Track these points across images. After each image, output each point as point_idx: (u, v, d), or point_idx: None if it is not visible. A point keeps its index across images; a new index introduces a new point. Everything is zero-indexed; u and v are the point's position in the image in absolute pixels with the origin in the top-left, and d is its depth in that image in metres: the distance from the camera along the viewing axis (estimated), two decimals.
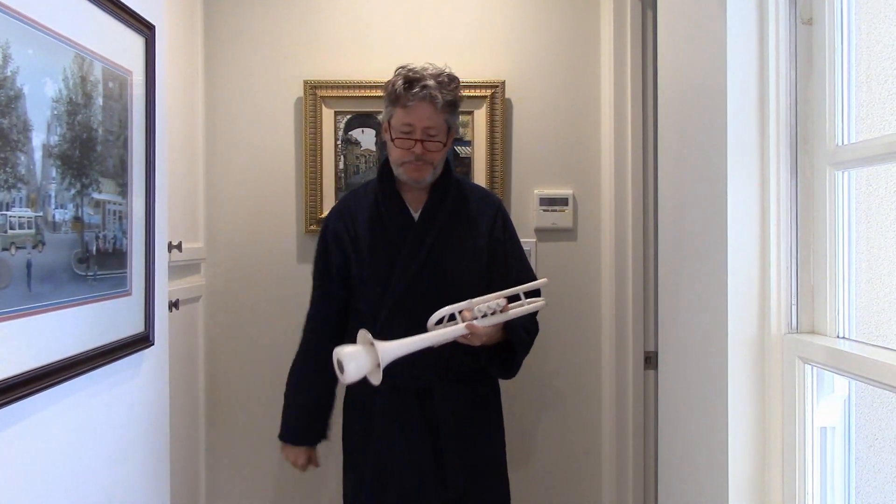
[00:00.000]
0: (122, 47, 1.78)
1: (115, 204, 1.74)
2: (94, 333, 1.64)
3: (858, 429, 1.60)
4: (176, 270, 2.65)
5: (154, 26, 1.94)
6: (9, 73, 1.31)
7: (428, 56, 3.03)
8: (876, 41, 1.60)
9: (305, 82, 3.04)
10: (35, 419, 1.43)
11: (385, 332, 2.08)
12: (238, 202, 3.09)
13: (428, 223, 2.33)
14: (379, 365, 1.91)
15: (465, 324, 2.09)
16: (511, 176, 3.10)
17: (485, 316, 2.12)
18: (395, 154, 2.32)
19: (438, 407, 2.32)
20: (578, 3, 3.09)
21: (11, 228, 1.32)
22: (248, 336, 3.09)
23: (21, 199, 1.36)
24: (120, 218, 1.77)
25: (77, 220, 1.56)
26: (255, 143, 3.09)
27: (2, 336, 1.29)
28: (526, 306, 2.22)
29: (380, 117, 3.10)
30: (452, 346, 2.22)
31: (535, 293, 2.31)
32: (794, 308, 1.62)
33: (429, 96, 2.23)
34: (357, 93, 3.04)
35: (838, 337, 1.54)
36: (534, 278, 2.34)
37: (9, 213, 1.31)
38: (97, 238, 1.65)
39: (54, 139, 1.47)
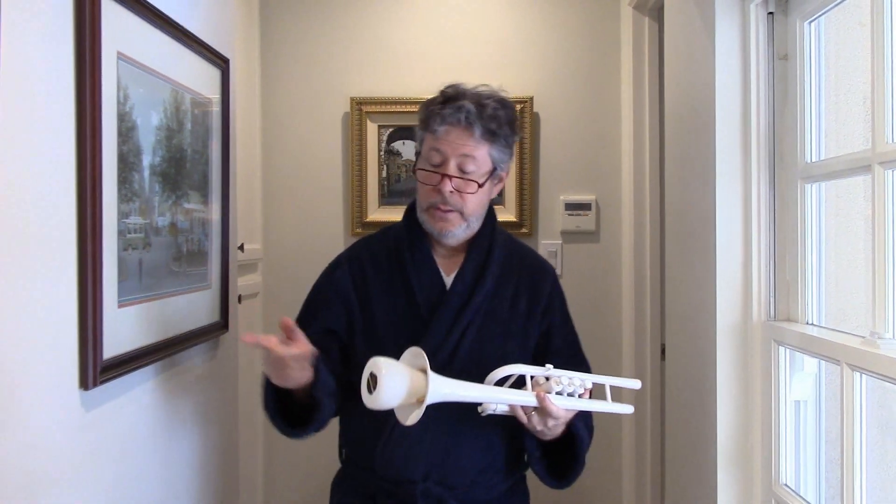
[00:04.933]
0: (205, 79, 2.11)
1: (199, 211, 2.08)
2: (185, 319, 1.97)
3: (828, 402, 1.88)
4: (238, 269, 2.99)
5: (228, 59, 2.27)
6: (128, 109, 1.64)
7: (461, 74, 3.34)
8: (844, 69, 1.88)
9: (352, 99, 3.37)
10: (143, 387, 1.76)
11: (400, 431, 1.66)
12: (291, 207, 3.42)
13: (464, 295, 1.78)
14: (421, 401, 1.45)
15: (535, 392, 1.58)
16: (539, 183, 3.40)
17: (560, 394, 1.60)
18: (420, 194, 1.79)
19: None
20: (600, 24, 3.38)
21: (129, 233, 1.66)
22: None
23: (135, 209, 1.69)
24: (202, 223, 2.11)
25: (173, 225, 1.90)
26: (307, 154, 3.42)
27: (125, 319, 1.63)
28: (610, 404, 1.72)
29: None
30: (487, 451, 1.77)
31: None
32: (772, 299, 1.91)
33: (464, 119, 1.69)
34: (398, 108, 3.36)
35: (808, 323, 1.82)
36: (588, 369, 1.85)
37: (128, 220, 1.65)
38: (186, 240, 1.99)
39: (157, 160, 1.80)
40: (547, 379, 1.61)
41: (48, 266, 1.36)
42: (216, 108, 2.21)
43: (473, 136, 1.71)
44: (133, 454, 1.72)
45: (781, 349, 1.84)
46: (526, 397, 1.58)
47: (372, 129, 3.39)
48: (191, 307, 2.02)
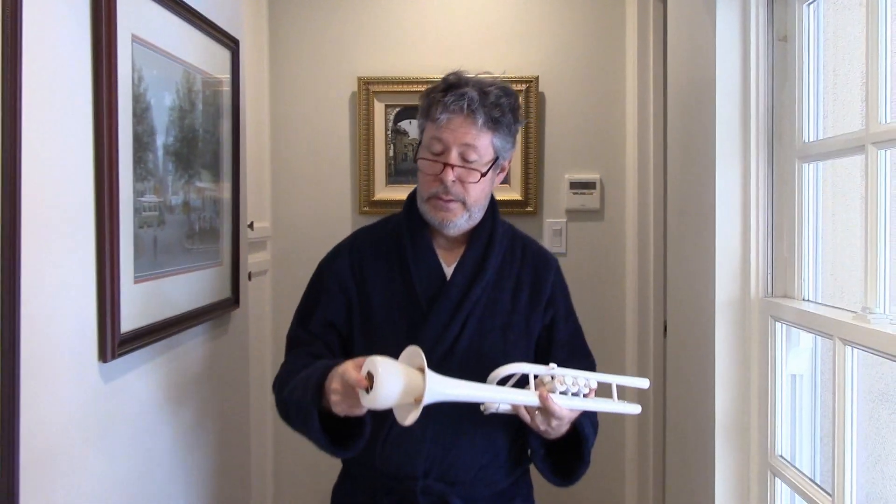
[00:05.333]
0: (215, 60, 2.16)
1: (210, 190, 2.13)
2: (197, 295, 2.03)
3: (824, 376, 1.93)
4: (248, 247, 3.04)
5: (238, 41, 2.31)
6: (142, 90, 1.69)
7: (467, 54, 3.39)
8: (842, 50, 1.92)
9: (359, 79, 3.41)
10: (158, 360, 1.82)
11: (399, 427, 1.52)
12: (300, 186, 3.47)
13: (464, 286, 1.75)
14: (419, 400, 1.42)
15: (538, 392, 1.54)
16: (544, 162, 3.44)
17: (564, 393, 1.57)
18: (421, 183, 1.76)
19: None
20: (605, 5, 3.41)
21: (144, 211, 1.71)
22: None
23: (150, 188, 1.74)
24: (214, 202, 2.16)
25: (186, 203, 1.95)
26: (315, 133, 3.46)
27: (141, 294, 1.68)
28: (616, 404, 1.66)
29: None
30: (489, 447, 1.73)
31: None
32: (769, 276, 1.95)
33: (467, 107, 1.66)
34: (405, 87, 3.40)
35: (804, 300, 1.87)
36: (593, 362, 1.87)
37: (143, 199, 1.70)
38: (199, 218, 2.04)
39: (170, 140, 1.85)
40: (552, 378, 1.58)
41: (68, 243, 1.42)
42: (227, 89, 2.25)
43: (476, 124, 1.67)
44: (148, 425, 1.78)
45: (778, 325, 1.89)
46: (529, 397, 1.54)
47: (379, 108, 3.43)
48: (203, 284, 2.07)
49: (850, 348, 1.56)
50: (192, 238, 1.99)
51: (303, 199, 3.48)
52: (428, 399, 1.42)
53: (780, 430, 1.90)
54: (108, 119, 1.51)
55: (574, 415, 1.60)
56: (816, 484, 1.77)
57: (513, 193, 3.38)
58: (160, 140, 1.80)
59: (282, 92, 3.45)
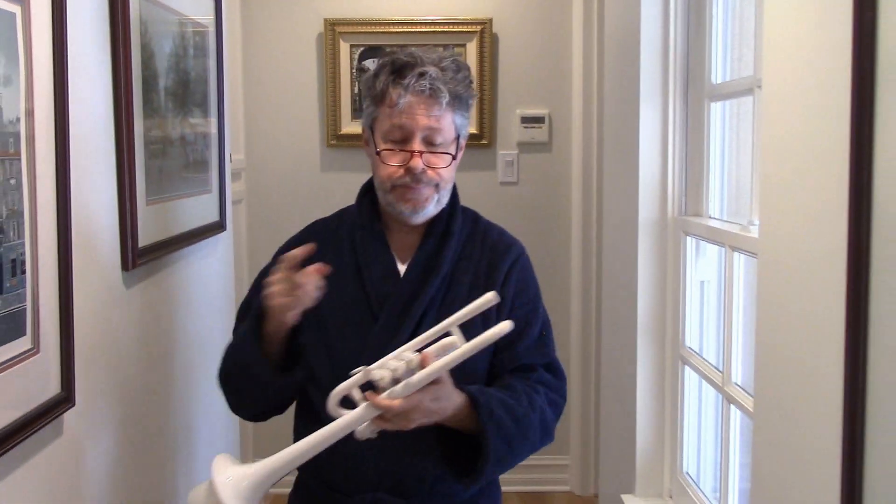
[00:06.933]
0: (202, 9, 2.42)
1: (201, 126, 2.41)
2: (193, 218, 2.33)
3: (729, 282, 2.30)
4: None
5: None
6: (148, 40, 1.96)
7: None
8: (748, 5, 2.24)
9: (326, 20, 3.67)
10: (166, 271, 2.13)
11: (346, 438, 1.38)
12: (272, 122, 3.75)
13: (417, 284, 1.61)
14: None
15: (366, 403, 1.36)
16: (497, 98, 3.75)
17: (397, 382, 1.36)
18: (382, 173, 1.59)
19: None
20: None
21: (151, 144, 2.00)
22: (281, 230, 3.78)
23: (155, 125, 2.02)
24: (203, 136, 2.44)
25: (182, 138, 2.23)
26: (285, 72, 3.73)
27: (151, 215, 1.98)
28: (476, 340, 1.37)
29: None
30: (441, 457, 1.55)
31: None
32: (683, 198, 2.31)
33: (430, 88, 1.53)
34: (369, 28, 3.67)
35: (710, 217, 2.23)
36: (552, 353, 1.70)
37: (150, 133, 1.99)
38: (192, 151, 2.33)
39: (169, 83, 2.13)
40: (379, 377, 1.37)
41: (97, 170, 1.71)
42: (211, 30, 2.51)
43: (441, 104, 1.54)
44: (160, 323, 2.10)
45: (689, 239, 2.25)
46: (362, 413, 1.36)
47: (344, 48, 3.69)
48: (197, 208, 2.37)
49: (736, 253, 1.93)
50: (187, 168, 2.28)
51: (274, 133, 3.76)
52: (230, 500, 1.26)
53: (689, 326, 2.28)
54: (125, 67, 1.79)
55: (422, 396, 1.37)
56: (713, 366, 2.16)
57: (469, 128, 3.69)
58: (162, 83, 2.07)
59: (253, 33, 3.71)
